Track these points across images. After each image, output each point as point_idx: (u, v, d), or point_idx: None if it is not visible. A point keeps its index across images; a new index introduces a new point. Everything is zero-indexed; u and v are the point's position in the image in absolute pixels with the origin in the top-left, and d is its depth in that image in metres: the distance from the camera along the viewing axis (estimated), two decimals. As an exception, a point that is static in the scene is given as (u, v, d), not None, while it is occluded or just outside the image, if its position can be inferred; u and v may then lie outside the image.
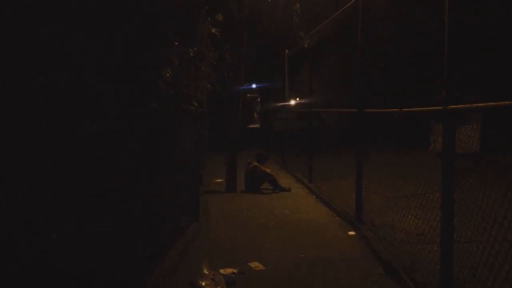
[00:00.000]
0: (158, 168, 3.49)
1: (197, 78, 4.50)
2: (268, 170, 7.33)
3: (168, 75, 3.57)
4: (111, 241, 2.69)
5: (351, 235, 4.77)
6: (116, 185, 2.81)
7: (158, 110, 3.57)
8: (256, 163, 7.34)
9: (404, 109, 3.68)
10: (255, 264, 3.83)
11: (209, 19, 4.63)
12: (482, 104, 2.50)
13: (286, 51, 9.55)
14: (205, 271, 3.38)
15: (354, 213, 5.04)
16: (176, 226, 4.14)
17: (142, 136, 3.21)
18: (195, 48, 4.25)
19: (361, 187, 4.86)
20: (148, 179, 3.31)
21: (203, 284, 3.21)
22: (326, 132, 7.08)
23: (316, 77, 7.26)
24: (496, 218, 2.69)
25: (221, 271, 3.59)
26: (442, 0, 2.88)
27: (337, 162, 6.53)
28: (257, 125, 17.80)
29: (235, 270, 3.64)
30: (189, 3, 4.06)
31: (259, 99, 18.49)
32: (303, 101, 8.50)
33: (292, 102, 9.95)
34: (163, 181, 3.60)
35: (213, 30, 4.68)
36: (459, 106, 2.80)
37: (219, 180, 8.05)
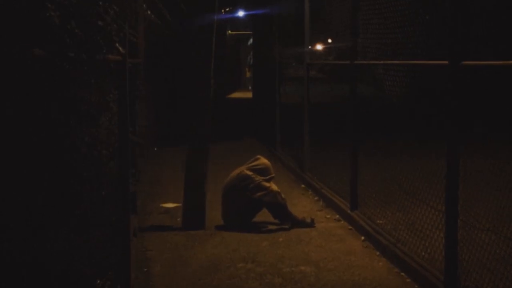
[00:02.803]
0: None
1: (124, -1, 4.50)
2: (270, 186, 7.33)
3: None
4: None
5: (435, 314, 4.81)
6: None
7: (46, 63, 3.60)
8: (248, 171, 7.33)
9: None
10: None
11: None
12: None
13: None
14: None
15: (441, 270, 5.05)
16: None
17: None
18: None
19: (456, 218, 4.87)
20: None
21: None
22: (384, 106, 7.07)
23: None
24: None
25: None
26: None
27: (404, 167, 6.53)
28: (248, 94, 17.79)
29: None
30: None
31: (251, 41, 18.37)
32: (339, 45, 8.42)
33: (318, 47, 9.89)
34: (35, 205, 3.60)
35: None
36: None
37: (170, 205, 8.03)
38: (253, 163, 7.49)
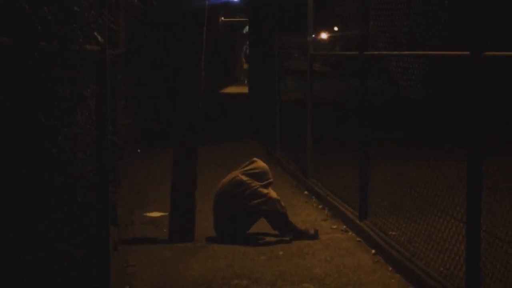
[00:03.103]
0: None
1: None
2: (269, 192, 7.28)
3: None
4: None
5: None
6: None
7: (14, 53, 3.65)
8: (243, 176, 7.30)
9: None
10: None
11: None
12: None
13: None
14: None
15: (462, 288, 5.03)
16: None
17: None
18: None
19: (479, 229, 4.85)
20: None
21: None
22: (398, 103, 7.05)
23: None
24: None
25: None
26: None
27: (420, 172, 6.47)
28: (243, 88, 17.87)
29: None
30: None
31: (247, 29, 18.44)
32: (346, 33, 8.42)
33: (324, 35, 9.90)
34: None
35: None
36: None
37: (156, 214, 8.06)
38: (249, 167, 7.46)
